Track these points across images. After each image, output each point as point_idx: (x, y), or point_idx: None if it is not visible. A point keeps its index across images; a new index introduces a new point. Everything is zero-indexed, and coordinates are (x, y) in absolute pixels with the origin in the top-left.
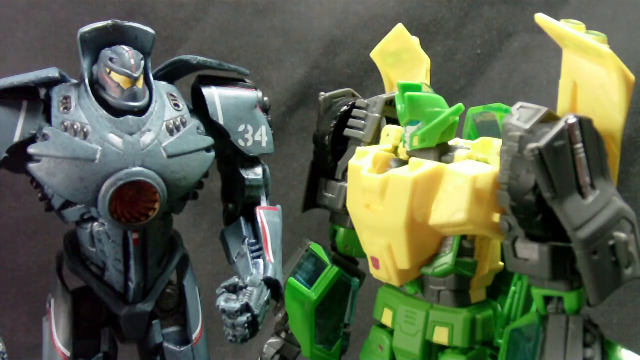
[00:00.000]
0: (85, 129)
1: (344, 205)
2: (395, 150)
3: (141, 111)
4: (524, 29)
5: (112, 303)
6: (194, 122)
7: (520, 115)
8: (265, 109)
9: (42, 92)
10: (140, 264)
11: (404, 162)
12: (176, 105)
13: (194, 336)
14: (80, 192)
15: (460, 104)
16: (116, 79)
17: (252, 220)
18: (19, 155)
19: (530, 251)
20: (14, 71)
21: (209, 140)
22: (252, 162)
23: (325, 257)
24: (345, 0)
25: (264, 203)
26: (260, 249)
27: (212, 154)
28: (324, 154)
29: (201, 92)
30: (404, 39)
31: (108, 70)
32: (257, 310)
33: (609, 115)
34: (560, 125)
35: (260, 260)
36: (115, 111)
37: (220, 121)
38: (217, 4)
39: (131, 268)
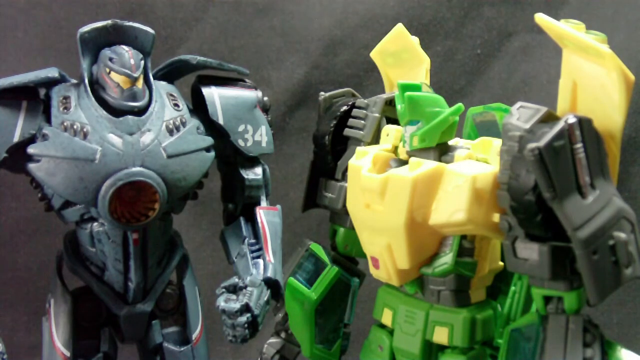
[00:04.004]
0: (85, 129)
1: (344, 205)
2: (395, 150)
3: (141, 111)
4: (524, 29)
5: (112, 303)
6: (194, 122)
7: (520, 115)
8: (265, 109)
9: (42, 92)
10: (140, 264)
11: (404, 162)
12: (176, 105)
13: (194, 336)
14: (80, 193)
15: (460, 104)
16: (116, 79)
17: (252, 220)
18: (18, 156)
19: (530, 251)
20: (14, 71)
21: (209, 140)
22: (252, 162)
23: (325, 257)
24: (345, 0)
25: (264, 203)
26: (260, 249)
27: (212, 154)
28: (324, 154)
29: (201, 92)
30: (404, 39)
31: (108, 70)
32: (257, 310)
33: (609, 115)
34: (560, 125)
35: (260, 261)
36: (115, 111)
37: (220, 121)
38: (217, 4)
39: (131, 268)
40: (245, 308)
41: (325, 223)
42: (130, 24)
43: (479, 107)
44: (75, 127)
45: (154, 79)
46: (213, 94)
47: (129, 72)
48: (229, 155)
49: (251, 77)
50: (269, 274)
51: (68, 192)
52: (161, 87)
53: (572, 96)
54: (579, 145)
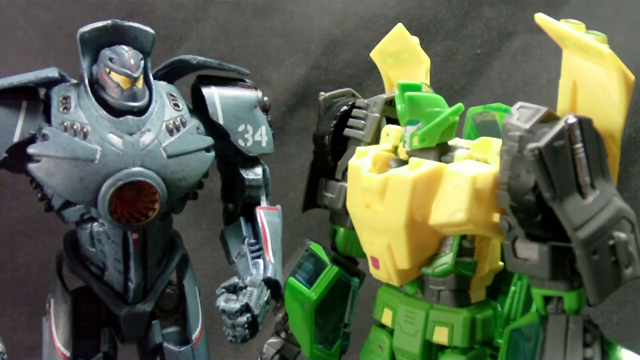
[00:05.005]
0: (85, 129)
1: (344, 205)
2: (395, 150)
3: (141, 111)
4: (524, 29)
5: (112, 303)
6: (194, 122)
7: (520, 115)
8: (265, 109)
9: (42, 92)
10: (140, 265)
11: (404, 162)
12: (176, 105)
13: (193, 336)
14: (80, 193)
15: (460, 104)
16: (116, 79)
17: (252, 220)
18: (18, 156)
19: (530, 251)
20: (14, 71)
21: (209, 140)
22: (252, 162)
23: (325, 257)
24: (345, 0)
25: (264, 203)
26: (260, 249)
27: (212, 154)
28: (324, 154)
29: (201, 92)
30: (404, 39)
31: (108, 70)
32: (257, 310)
33: (609, 115)
34: (560, 125)
35: (260, 261)
36: (115, 111)
37: (220, 121)
38: (217, 4)
39: (131, 268)
40: (245, 308)
41: (325, 223)
42: (130, 24)
43: (479, 107)
44: (75, 127)
45: (154, 79)
46: (213, 94)
47: (129, 72)
48: (229, 155)
49: (251, 77)
50: (269, 274)
51: (68, 192)
52: (161, 87)
53: (572, 96)
54: (579, 145)
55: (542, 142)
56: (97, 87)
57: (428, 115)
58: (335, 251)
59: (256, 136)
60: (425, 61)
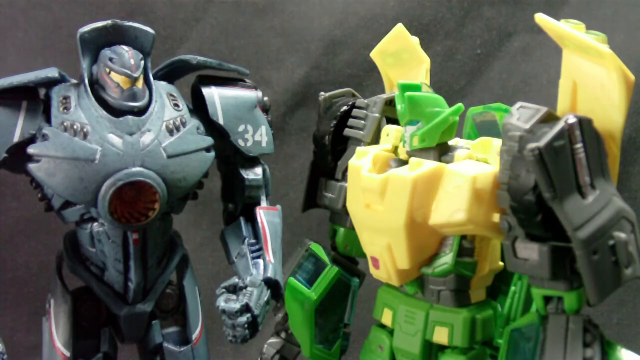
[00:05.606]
0: (85, 129)
1: (344, 205)
2: (395, 150)
3: (141, 111)
4: (524, 29)
5: (112, 303)
6: (194, 122)
7: (520, 115)
8: (265, 109)
9: (42, 92)
10: (140, 265)
11: (404, 162)
12: (176, 105)
13: (193, 336)
14: (80, 193)
15: (460, 104)
16: (116, 79)
17: (252, 220)
18: (18, 156)
19: (530, 251)
20: (14, 71)
21: (209, 140)
22: (252, 162)
23: (325, 257)
24: (345, 0)
25: (264, 203)
26: (260, 249)
27: (212, 154)
28: (324, 154)
29: (201, 92)
30: (404, 39)
31: (108, 70)
32: (257, 310)
33: (609, 115)
34: (560, 125)
35: (260, 261)
36: (115, 111)
37: (220, 121)
38: (217, 4)
39: (131, 268)
40: (246, 308)
41: (325, 223)
42: (130, 24)
43: (479, 107)
44: (75, 127)
45: (154, 79)
46: (213, 94)
47: (129, 72)
48: (229, 155)
49: (251, 77)
50: (269, 274)
51: (68, 192)
52: (161, 87)
53: (572, 96)
54: (579, 145)
55: (542, 142)
56: (97, 87)
57: (428, 115)
58: (335, 251)
59: (256, 136)
60: (425, 61)
